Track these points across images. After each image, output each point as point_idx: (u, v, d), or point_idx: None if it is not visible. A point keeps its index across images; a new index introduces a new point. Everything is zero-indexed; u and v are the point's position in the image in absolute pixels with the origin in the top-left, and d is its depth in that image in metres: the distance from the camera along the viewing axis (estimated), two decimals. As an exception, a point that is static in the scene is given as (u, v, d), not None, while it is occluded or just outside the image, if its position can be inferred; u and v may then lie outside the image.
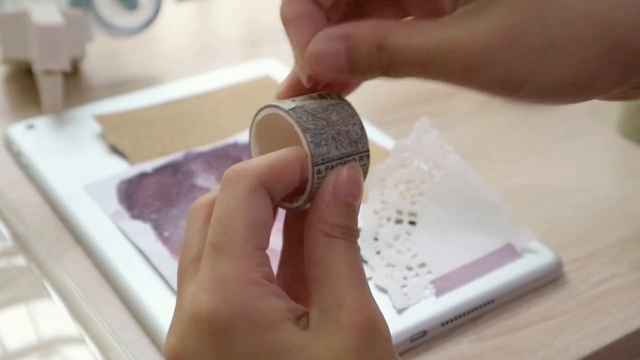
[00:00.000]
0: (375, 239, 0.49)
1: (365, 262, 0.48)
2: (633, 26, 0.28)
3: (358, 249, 0.33)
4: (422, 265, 0.47)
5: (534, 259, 0.49)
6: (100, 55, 0.72)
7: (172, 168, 0.55)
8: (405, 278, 0.47)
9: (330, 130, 0.33)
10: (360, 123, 0.34)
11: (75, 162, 0.56)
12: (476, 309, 0.46)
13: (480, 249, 0.49)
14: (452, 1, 0.31)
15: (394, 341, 0.43)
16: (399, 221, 0.50)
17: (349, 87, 0.37)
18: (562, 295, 0.48)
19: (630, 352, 0.47)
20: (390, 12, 0.36)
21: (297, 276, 0.35)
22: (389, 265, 0.47)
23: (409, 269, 0.47)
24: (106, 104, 0.63)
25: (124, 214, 0.51)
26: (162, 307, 0.45)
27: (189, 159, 0.56)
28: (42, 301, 0.46)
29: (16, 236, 0.50)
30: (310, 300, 0.32)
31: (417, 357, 0.44)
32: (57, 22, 0.59)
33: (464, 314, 0.45)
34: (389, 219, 0.50)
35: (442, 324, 0.45)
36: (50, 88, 0.60)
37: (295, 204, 0.34)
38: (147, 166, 0.55)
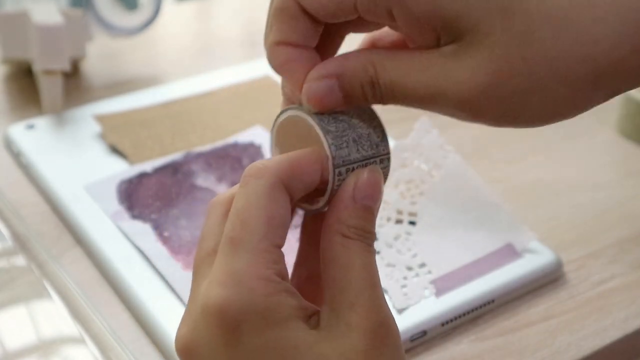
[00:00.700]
0: (375, 239, 0.49)
1: (365, 262, 0.48)
2: (616, 58, 0.29)
3: (374, 252, 0.33)
4: (422, 265, 0.47)
5: (534, 259, 0.49)
6: (100, 55, 0.72)
7: (172, 168, 0.55)
8: (405, 278, 0.47)
9: (352, 132, 0.33)
10: (382, 126, 0.34)
11: (75, 162, 0.56)
12: (476, 309, 0.46)
13: (480, 249, 0.49)
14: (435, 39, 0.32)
15: (394, 341, 0.43)
16: (399, 221, 0.50)
17: None
18: (562, 295, 0.48)
19: (630, 352, 0.47)
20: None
21: (312, 277, 0.35)
22: (389, 265, 0.47)
23: (409, 269, 0.47)
24: (106, 104, 0.63)
25: (124, 214, 0.51)
26: (162, 307, 0.45)
27: (189, 159, 0.56)
28: (42, 301, 0.46)
29: (16, 236, 0.50)
30: (323, 300, 0.32)
31: (417, 357, 0.44)
32: (57, 22, 0.59)
33: (464, 314, 0.45)
34: (389, 219, 0.50)
35: (442, 324, 0.45)
36: (50, 88, 0.60)
37: (315, 206, 0.34)
38: (147, 166, 0.55)
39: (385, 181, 0.34)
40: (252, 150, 0.57)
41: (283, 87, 0.36)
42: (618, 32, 0.28)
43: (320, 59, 0.33)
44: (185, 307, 0.33)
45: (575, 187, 0.58)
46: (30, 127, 0.59)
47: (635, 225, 0.54)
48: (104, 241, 0.49)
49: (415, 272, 0.47)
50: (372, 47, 0.36)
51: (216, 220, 0.34)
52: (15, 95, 0.66)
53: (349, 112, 0.33)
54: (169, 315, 0.44)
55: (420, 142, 0.51)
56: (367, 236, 0.32)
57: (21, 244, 0.49)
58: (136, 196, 0.52)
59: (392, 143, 0.57)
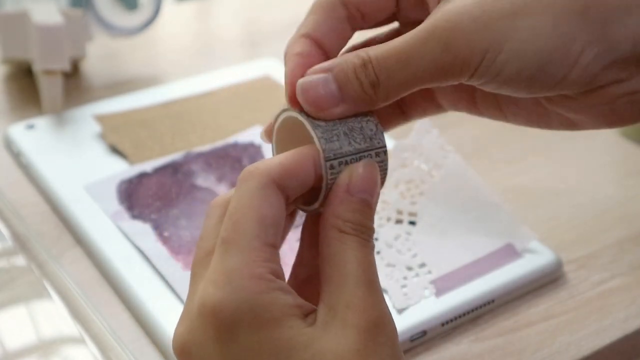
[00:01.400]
0: (375, 239, 0.49)
1: (365, 262, 0.48)
2: None
3: (372, 247, 0.32)
4: (422, 265, 0.47)
5: (534, 259, 0.49)
6: (100, 55, 0.72)
7: (172, 168, 0.55)
8: (405, 278, 0.47)
9: (342, 126, 0.33)
10: (375, 120, 0.33)
11: (75, 162, 0.56)
12: (476, 309, 0.46)
13: (480, 249, 0.49)
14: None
15: (394, 341, 0.43)
16: (399, 221, 0.50)
17: None
18: (562, 295, 0.48)
19: (630, 352, 0.47)
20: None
21: (310, 278, 0.35)
22: (389, 265, 0.47)
23: (409, 269, 0.47)
24: (106, 104, 0.63)
25: (124, 214, 0.51)
26: (162, 307, 0.45)
27: (189, 159, 0.56)
28: (42, 301, 0.46)
29: (16, 236, 0.50)
30: (320, 297, 0.32)
31: (417, 357, 0.44)
32: (57, 22, 0.59)
33: (464, 314, 0.45)
34: (389, 219, 0.50)
35: (442, 324, 0.45)
36: (50, 88, 0.60)
37: (313, 206, 0.34)
38: (147, 166, 0.55)
39: (385, 175, 0.34)
40: (252, 150, 0.57)
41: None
42: None
43: None
44: (183, 307, 0.33)
45: (575, 187, 0.58)
46: (30, 127, 0.59)
47: (635, 225, 0.54)
48: (104, 241, 0.49)
49: (415, 272, 0.47)
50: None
51: (214, 222, 0.34)
52: (15, 95, 0.66)
53: None
54: (169, 315, 0.44)
55: (420, 142, 0.51)
56: (364, 231, 0.32)
57: (21, 244, 0.49)
58: (136, 196, 0.52)
59: (392, 143, 0.57)
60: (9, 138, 0.59)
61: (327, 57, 0.34)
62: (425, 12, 0.34)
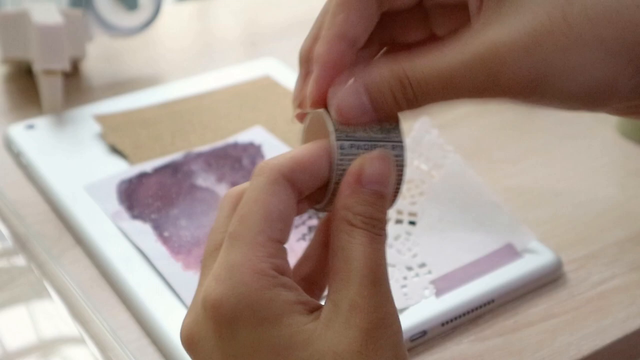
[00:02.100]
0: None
1: (365, 262, 0.48)
2: None
3: (383, 241, 0.31)
4: (422, 265, 0.47)
5: (534, 259, 0.49)
6: (100, 55, 0.72)
7: (172, 168, 0.55)
8: (405, 278, 0.47)
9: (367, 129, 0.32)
10: (397, 118, 0.33)
11: (75, 162, 0.56)
12: (476, 309, 0.46)
13: (480, 249, 0.49)
14: (477, 8, 0.31)
15: (394, 341, 0.43)
16: (399, 221, 0.50)
17: None
18: (562, 295, 0.48)
19: (630, 352, 0.47)
20: (416, 34, 0.36)
21: (314, 273, 0.35)
22: (389, 265, 0.47)
23: (409, 269, 0.47)
24: (106, 104, 0.63)
25: (124, 214, 0.51)
26: (162, 307, 0.45)
27: (189, 159, 0.56)
28: (42, 301, 0.46)
29: (16, 236, 0.50)
30: (327, 292, 0.31)
31: (417, 357, 0.44)
32: (57, 22, 0.59)
33: (464, 314, 0.45)
34: (389, 219, 0.50)
35: (442, 324, 0.45)
36: (50, 88, 0.60)
37: (322, 203, 0.33)
38: (147, 166, 0.55)
39: (402, 173, 0.33)
40: (252, 150, 0.57)
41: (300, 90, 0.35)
42: None
43: None
44: (193, 298, 0.33)
45: (575, 187, 0.58)
46: (30, 127, 0.59)
47: (635, 225, 0.54)
48: (104, 241, 0.49)
49: (415, 272, 0.47)
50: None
51: (225, 214, 0.34)
52: (15, 95, 0.66)
53: None
54: (169, 315, 0.44)
55: (420, 142, 0.51)
56: (375, 224, 0.31)
57: (21, 244, 0.49)
58: (136, 196, 0.52)
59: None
60: (9, 138, 0.59)
61: (355, 47, 0.33)
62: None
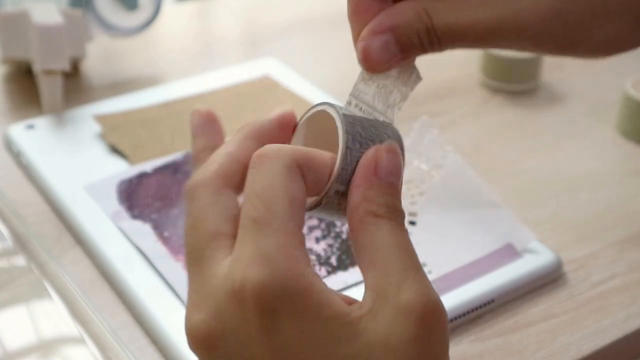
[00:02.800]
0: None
1: (365, 262, 0.48)
2: None
3: (407, 231, 0.31)
4: (422, 265, 0.47)
5: (534, 259, 0.49)
6: (100, 55, 0.72)
7: (172, 168, 0.55)
8: (405, 278, 0.47)
9: (367, 122, 0.33)
10: (398, 136, 0.34)
11: (75, 162, 0.56)
12: (476, 309, 0.46)
13: (480, 249, 0.49)
14: None
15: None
16: (399, 221, 0.50)
17: None
18: (562, 295, 0.48)
19: (630, 352, 0.47)
20: None
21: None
22: (389, 265, 0.47)
23: (409, 269, 0.47)
24: (106, 104, 0.63)
25: (124, 214, 0.51)
26: (162, 307, 0.45)
27: (189, 159, 0.56)
28: (42, 301, 0.46)
29: (16, 236, 0.50)
30: (365, 285, 0.30)
31: (417, 357, 0.44)
32: (57, 22, 0.59)
33: (464, 314, 0.45)
34: (389, 219, 0.50)
35: (442, 324, 0.45)
36: (50, 88, 0.60)
37: (327, 186, 0.32)
38: (147, 166, 0.55)
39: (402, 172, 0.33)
40: (252, 150, 0.57)
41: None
42: None
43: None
44: (191, 294, 0.31)
45: (576, 187, 0.58)
46: (30, 127, 0.59)
47: (635, 225, 0.54)
48: (104, 241, 0.49)
49: (415, 272, 0.47)
50: None
51: (209, 200, 0.32)
52: (15, 95, 0.66)
53: (376, 123, 0.33)
54: (169, 315, 0.44)
55: (420, 142, 0.51)
56: (397, 214, 0.31)
57: (21, 244, 0.49)
58: (136, 196, 0.52)
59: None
60: (9, 138, 0.59)
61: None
62: None
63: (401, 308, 0.28)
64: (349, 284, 0.46)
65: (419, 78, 0.34)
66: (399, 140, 0.33)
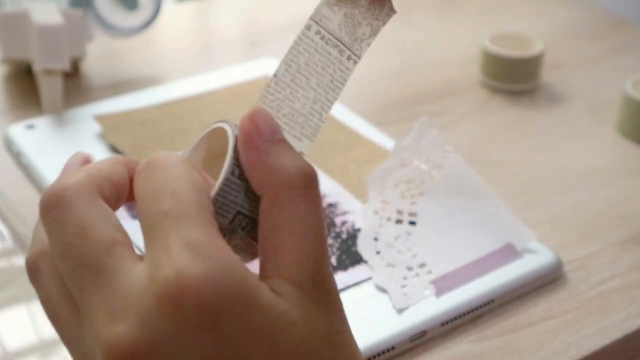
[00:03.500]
0: (375, 239, 0.49)
1: (365, 262, 0.48)
2: None
3: (320, 199, 0.29)
4: (422, 265, 0.47)
5: (534, 259, 0.49)
6: (100, 55, 0.72)
7: (172, 168, 0.55)
8: (405, 278, 0.47)
9: None
10: None
11: (75, 162, 0.56)
12: (476, 309, 0.46)
13: (480, 249, 0.49)
14: None
15: (394, 341, 0.43)
16: (399, 221, 0.50)
17: None
18: (562, 295, 0.48)
19: (630, 352, 0.47)
20: None
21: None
22: (389, 265, 0.47)
23: (409, 269, 0.47)
24: (106, 104, 0.63)
25: (124, 214, 0.51)
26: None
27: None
28: (42, 301, 0.46)
29: (16, 236, 0.50)
30: (276, 271, 0.28)
31: (417, 357, 0.44)
32: (57, 22, 0.59)
33: (464, 314, 0.45)
34: (389, 219, 0.50)
35: (442, 324, 0.45)
36: (50, 88, 0.60)
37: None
38: (147, 166, 0.55)
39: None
40: (252, 150, 0.57)
41: None
42: None
43: None
44: (99, 308, 0.26)
45: (575, 187, 0.58)
46: (30, 127, 0.59)
47: (635, 225, 0.54)
48: (104, 241, 0.49)
49: (415, 272, 0.47)
50: None
51: (89, 207, 0.28)
52: (15, 95, 0.66)
53: None
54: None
55: (420, 142, 0.51)
56: (312, 176, 0.28)
57: (21, 244, 0.49)
58: (136, 196, 0.52)
59: (392, 143, 0.57)
60: (9, 138, 0.59)
61: None
62: None
63: (320, 301, 0.28)
64: (349, 284, 0.46)
65: (392, 11, 0.31)
66: None
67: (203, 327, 0.25)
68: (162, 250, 0.26)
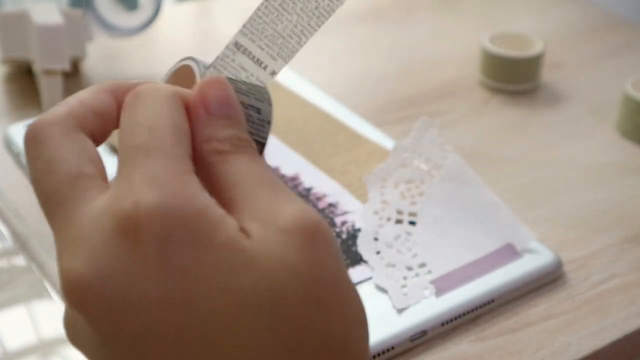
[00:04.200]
0: (375, 239, 0.49)
1: (365, 262, 0.48)
2: None
3: (262, 158, 0.29)
4: (422, 265, 0.47)
5: (534, 259, 0.49)
6: (100, 55, 0.72)
7: (172, 168, 0.55)
8: (405, 278, 0.47)
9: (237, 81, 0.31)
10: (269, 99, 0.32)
11: (75, 162, 0.56)
12: (476, 309, 0.46)
13: (480, 249, 0.49)
14: None
15: (394, 341, 0.43)
16: (399, 221, 0.50)
17: None
18: (562, 295, 0.48)
19: (630, 352, 0.47)
20: None
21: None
22: (389, 265, 0.47)
23: (409, 269, 0.47)
24: (106, 104, 0.63)
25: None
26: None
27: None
28: (42, 301, 0.46)
29: (16, 236, 0.50)
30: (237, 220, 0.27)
31: (417, 357, 0.44)
32: (57, 22, 0.59)
33: (464, 314, 0.45)
34: (389, 219, 0.50)
35: (442, 324, 0.45)
36: (50, 88, 0.60)
37: None
38: (147, 166, 0.55)
39: (267, 123, 0.31)
40: (252, 150, 0.57)
41: None
42: None
43: None
44: (59, 242, 0.27)
45: (575, 187, 0.58)
46: (30, 127, 0.59)
47: (635, 225, 0.54)
48: (104, 241, 0.49)
49: (415, 272, 0.47)
50: None
51: (62, 142, 0.28)
52: (15, 95, 0.66)
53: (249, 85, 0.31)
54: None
55: (420, 142, 0.51)
56: (245, 144, 0.28)
57: (21, 244, 0.49)
58: (136, 196, 0.52)
59: (392, 143, 0.57)
60: (9, 138, 0.59)
61: None
62: None
63: (286, 232, 0.26)
64: (349, 284, 0.46)
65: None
66: (268, 101, 0.31)
67: (152, 260, 0.25)
68: (125, 182, 0.26)
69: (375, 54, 0.76)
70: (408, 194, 0.51)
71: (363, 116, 0.63)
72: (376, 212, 0.50)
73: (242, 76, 0.32)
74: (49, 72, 0.60)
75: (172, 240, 0.25)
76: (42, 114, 0.29)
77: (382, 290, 0.46)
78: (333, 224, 0.51)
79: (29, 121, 0.60)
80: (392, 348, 0.43)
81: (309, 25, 0.32)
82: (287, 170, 0.56)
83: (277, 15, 0.31)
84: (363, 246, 0.48)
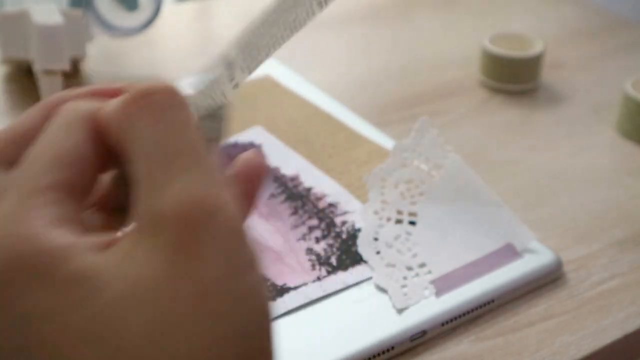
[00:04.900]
0: (375, 239, 0.49)
1: (365, 262, 0.48)
2: None
3: (183, 108, 0.26)
4: (422, 265, 0.47)
5: (534, 259, 0.49)
6: (100, 55, 0.72)
7: (172, 168, 0.55)
8: (405, 278, 0.47)
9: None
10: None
11: (75, 162, 0.56)
12: (476, 309, 0.46)
13: (480, 249, 0.49)
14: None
15: (394, 341, 0.43)
16: (399, 221, 0.50)
17: None
18: (562, 295, 0.48)
19: (630, 352, 0.47)
20: None
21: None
22: (389, 265, 0.47)
23: (409, 269, 0.47)
24: (106, 104, 0.63)
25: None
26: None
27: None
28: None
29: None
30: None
31: (417, 357, 0.44)
32: (57, 22, 0.59)
33: (464, 314, 0.45)
34: (389, 219, 0.50)
35: (442, 324, 0.45)
36: (50, 88, 0.60)
37: None
38: (147, 166, 0.55)
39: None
40: (252, 150, 0.57)
41: None
42: None
43: None
44: None
45: (576, 187, 0.58)
46: (30, 127, 0.59)
47: (635, 225, 0.54)
48: (104, 241, 0.49)
49: (415, 272, 0.47)
50: None
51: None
52: (15, 95, 0.66)
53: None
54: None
55: (420, 142, 0.51)
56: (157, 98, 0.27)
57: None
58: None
59: (392, 143, 0.57)
60: (9, 138, 0.59)
61: None
62: None
63: (159, 227, 0.22)
64: (349, 283, 0.46)
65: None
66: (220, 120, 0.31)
67: None
68: None
69: (375, 54, 0.76)
70: (408, 194, 0.51)
71: (363, 116, 0.63)
72: (376, 212, 0.50)
73: (218, 92, 0.31)
74: (49, 72, 0.60)
75: (13, 284, 0.22)
76: None
77: (382, 290, 0.46)
78: (333, 224, 0.51)
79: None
80: (392, 348, 0.43)
81: (280, 37, 0.30)
82: (287, 170, 0.56)
83: (267, 29, 0.30)
84: (363, 246, 0.48)
